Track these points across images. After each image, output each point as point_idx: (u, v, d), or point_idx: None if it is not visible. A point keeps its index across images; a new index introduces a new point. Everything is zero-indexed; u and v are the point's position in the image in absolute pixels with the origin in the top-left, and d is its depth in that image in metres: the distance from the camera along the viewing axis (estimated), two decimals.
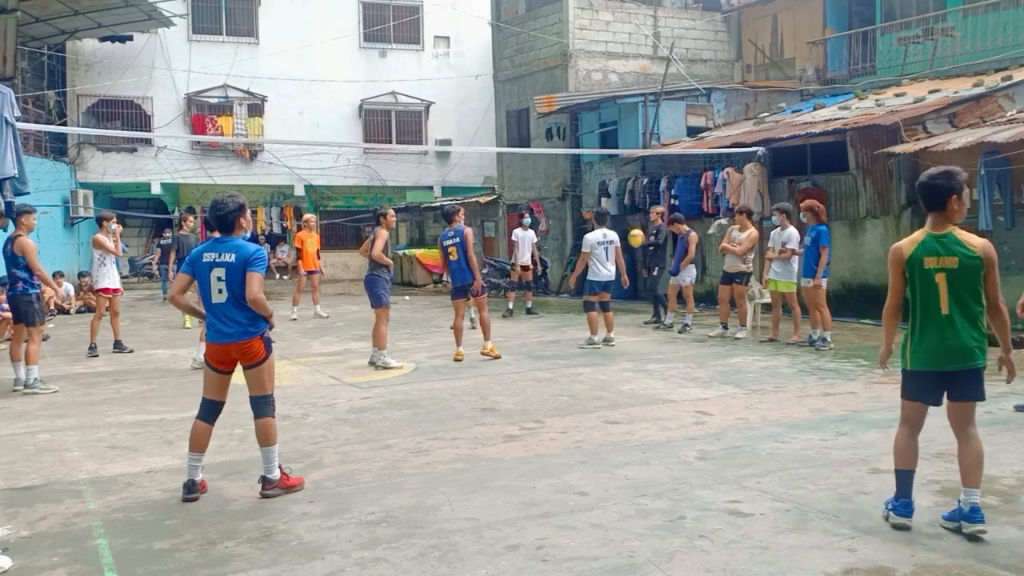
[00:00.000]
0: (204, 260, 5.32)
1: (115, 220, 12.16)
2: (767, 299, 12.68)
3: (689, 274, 12.97)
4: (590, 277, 11.55)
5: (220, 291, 5.26)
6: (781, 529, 4.60)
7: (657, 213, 14.06)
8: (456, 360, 10.45)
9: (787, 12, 20.88)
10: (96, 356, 11.46)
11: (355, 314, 16.39)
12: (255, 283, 5.21)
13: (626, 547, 4.37)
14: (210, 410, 5.43)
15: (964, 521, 4.46)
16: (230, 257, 5.26)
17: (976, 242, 4.48)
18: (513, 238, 17.04)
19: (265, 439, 5.36)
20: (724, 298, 12.07)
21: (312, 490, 5.44)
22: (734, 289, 11.96)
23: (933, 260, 4.45)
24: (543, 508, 5.01)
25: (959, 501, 4.54)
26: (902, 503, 4.60)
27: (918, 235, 4.58)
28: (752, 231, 11.97)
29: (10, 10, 18.37)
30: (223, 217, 5.37)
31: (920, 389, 4.60)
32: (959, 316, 4.43)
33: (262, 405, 5.41)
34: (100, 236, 11.70)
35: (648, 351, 11.10)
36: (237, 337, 5.27)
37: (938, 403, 4.61)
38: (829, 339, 10.88)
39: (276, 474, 5.36)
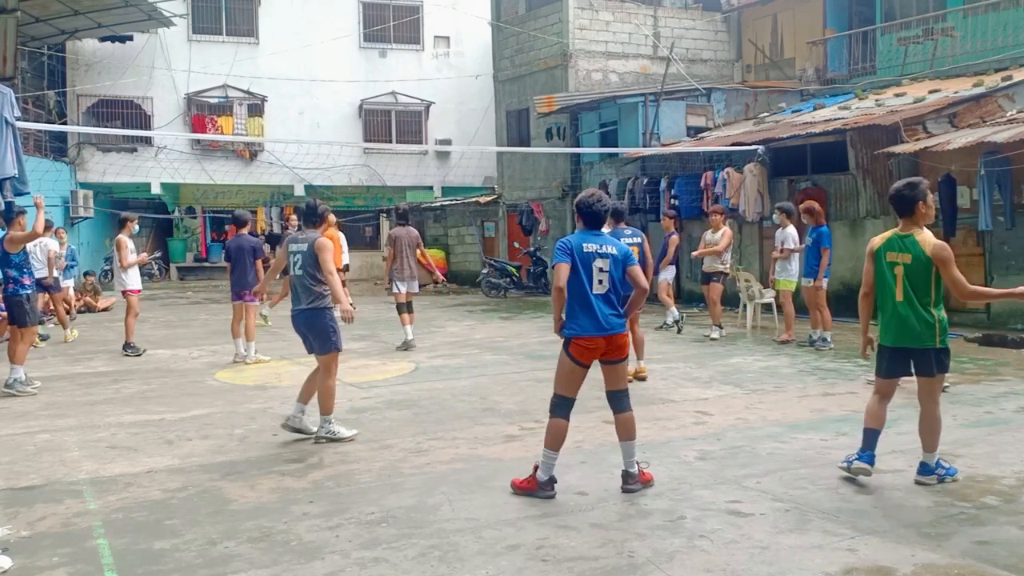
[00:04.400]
0: (585, 250, 5.35)
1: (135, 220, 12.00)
2: (767, 299, 12.67)
3: (668, 272, 12.92)
4: None
5: (600, 282, 5.33)
6: (781, 529, 4.61)
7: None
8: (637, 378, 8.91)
9: (787, 12, 20.88)
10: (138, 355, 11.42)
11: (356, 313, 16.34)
12: (638, 276, 5.40)
13: (626, 547, 4.37)
14: (569, 406, 5.43)
15: (917, 474, 5.34)
16: (612, 249, 5.38)
17: (930, 244, 5.17)
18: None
19: (627, 433, 5.39)
20: (714, 299, 12.07)
21: (312, 490, 5.43)
22: (711, 288, 12.00)
23: (894, 255, 5.22)
24: (543, 508, 5.01)
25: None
26: (868, 454, 5.32)
27: (888, 233, 5.37)
28: (726, 230, 12.11)
29: (10, 10, 18.39)
30: (597, 213, 5.43)
31: (886, 361, 5.35)
32: (909, 303, 5.17)
33: (623, 399, 5.45)
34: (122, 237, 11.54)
35: (648, 351, 11.07)
36: (621, 328, 5.36)
37: (902, 375, 5.38)
38: (829, 339, 10.89)
39: (636, 469, 5.37)
